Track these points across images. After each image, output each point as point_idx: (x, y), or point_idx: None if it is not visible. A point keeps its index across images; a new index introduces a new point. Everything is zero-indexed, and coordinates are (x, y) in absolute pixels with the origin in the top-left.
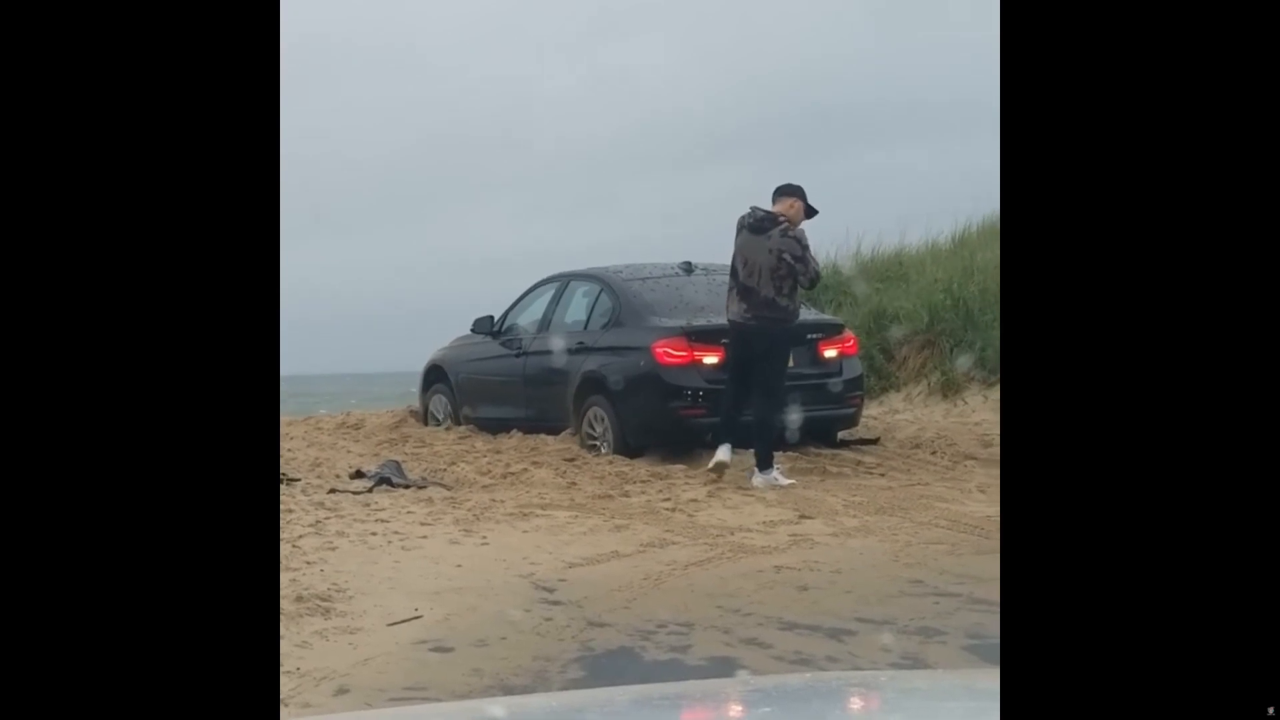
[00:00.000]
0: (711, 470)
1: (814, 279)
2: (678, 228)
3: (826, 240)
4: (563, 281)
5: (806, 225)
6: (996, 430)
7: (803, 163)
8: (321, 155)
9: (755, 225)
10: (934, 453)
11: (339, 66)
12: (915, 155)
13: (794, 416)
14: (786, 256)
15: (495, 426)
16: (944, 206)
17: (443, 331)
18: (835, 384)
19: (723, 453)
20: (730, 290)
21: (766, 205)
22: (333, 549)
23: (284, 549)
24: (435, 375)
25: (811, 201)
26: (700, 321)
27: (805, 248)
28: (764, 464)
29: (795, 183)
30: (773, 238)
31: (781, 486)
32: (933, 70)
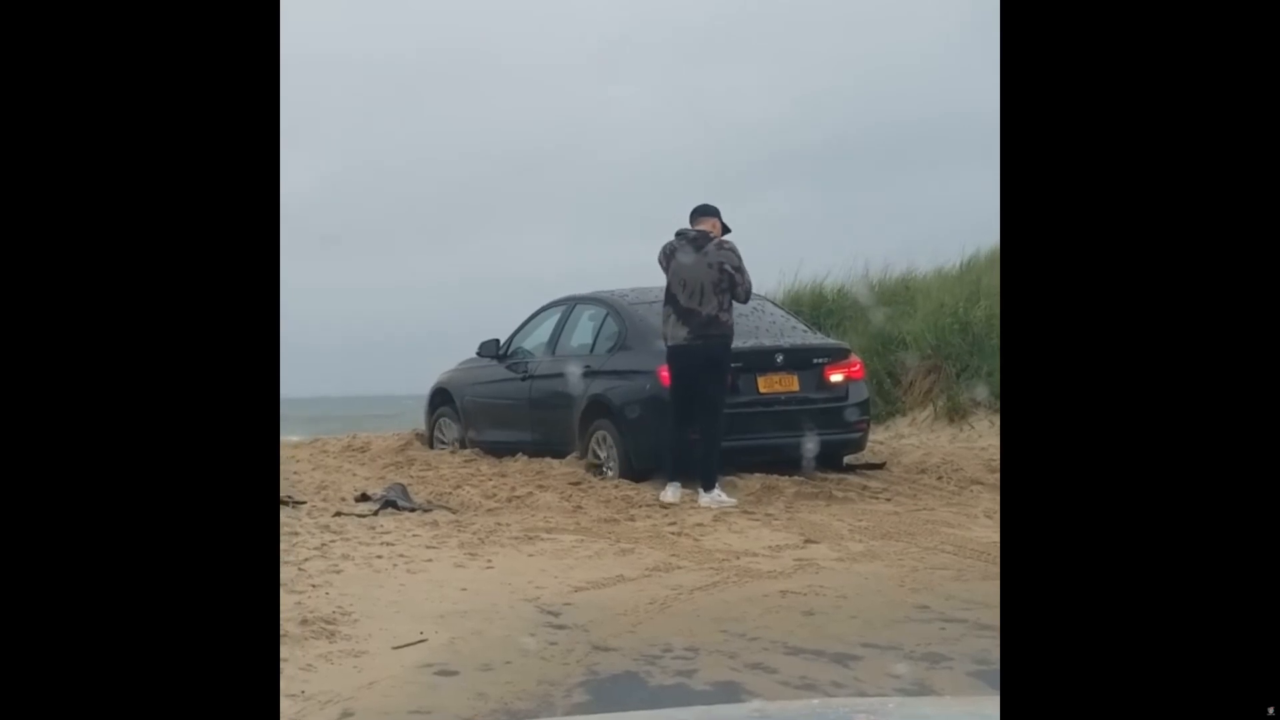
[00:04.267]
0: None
1: (748, 291)
2: None
3: (831, 266)
4: (569, 305)
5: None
6: None
7: (848, 187)
8: (387, 171)
9: (689, 245)
10: (940, 478)
11: (421, 84)
12: (964, 179)
13: (810, 445)
14: (727, 267)
15: (501, 450)
16: (961, 234)
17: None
18: (841, 408)
19: (672, 493)
20: (667, 318)
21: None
22: (338, 572)
23: (290, 572)
24: (441, 398)
25: (828, 231)
26: None
27: (740, 259)
28: (710, 484)
29: (710, 203)
30: (709, 253)
31: (727, 506)
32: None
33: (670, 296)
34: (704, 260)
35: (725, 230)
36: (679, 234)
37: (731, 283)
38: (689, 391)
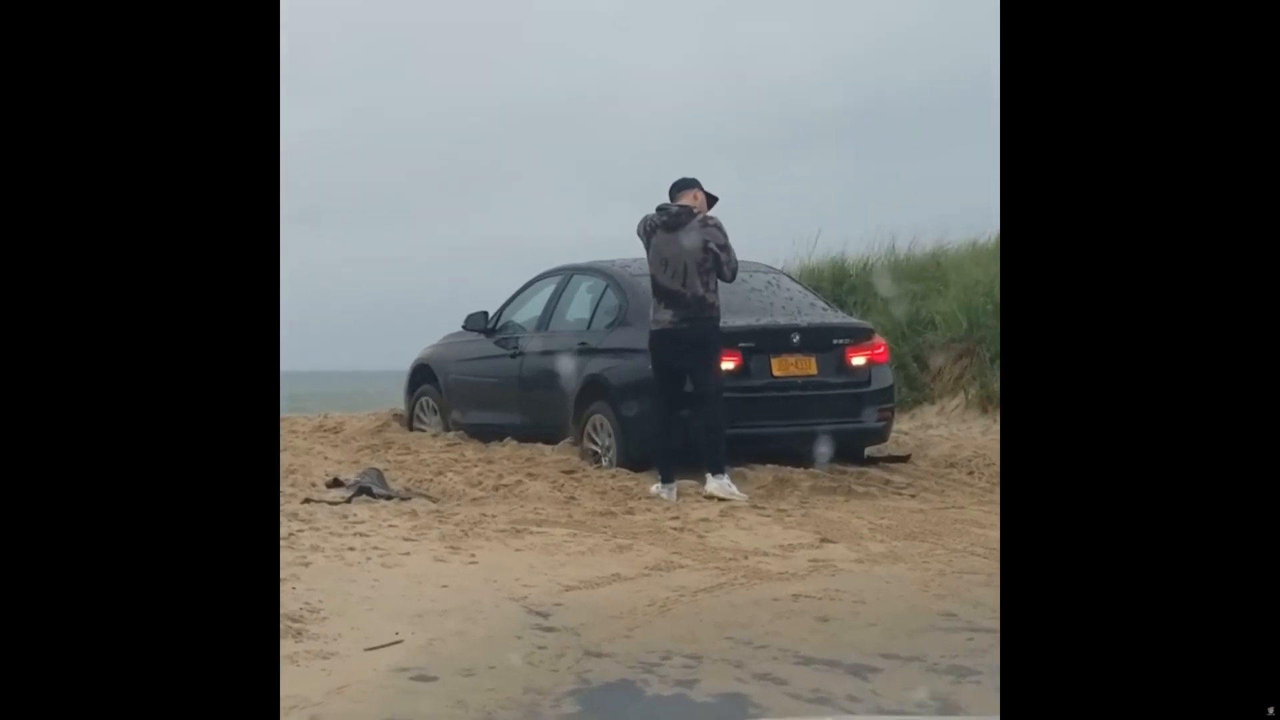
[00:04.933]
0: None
1: (734, 270)
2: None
3: (855, 239)
4: (565, 275)
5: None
6: None
7: (881, 157)
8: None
9: (670, 222)
10: (970, 473)
11: (451, 46)
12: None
13: (828, 434)
14: (712, 245)
15: (487, 433)
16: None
17: None
18: (863, 395)
19: (668, 493)
20: (652, 301)
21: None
22: (306, 565)
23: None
24: (422, 376)
25: (856, 199)
26: None
27: (726, 235)
28: (718, 468)
29: (691, 176)
30: (692, 230)
31: (735, 499)
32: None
33: (650, 277)
34: (683, 239)
35: (711, 201)
36: (660, 209)
37: (717, 261)
38: (675, 378)
